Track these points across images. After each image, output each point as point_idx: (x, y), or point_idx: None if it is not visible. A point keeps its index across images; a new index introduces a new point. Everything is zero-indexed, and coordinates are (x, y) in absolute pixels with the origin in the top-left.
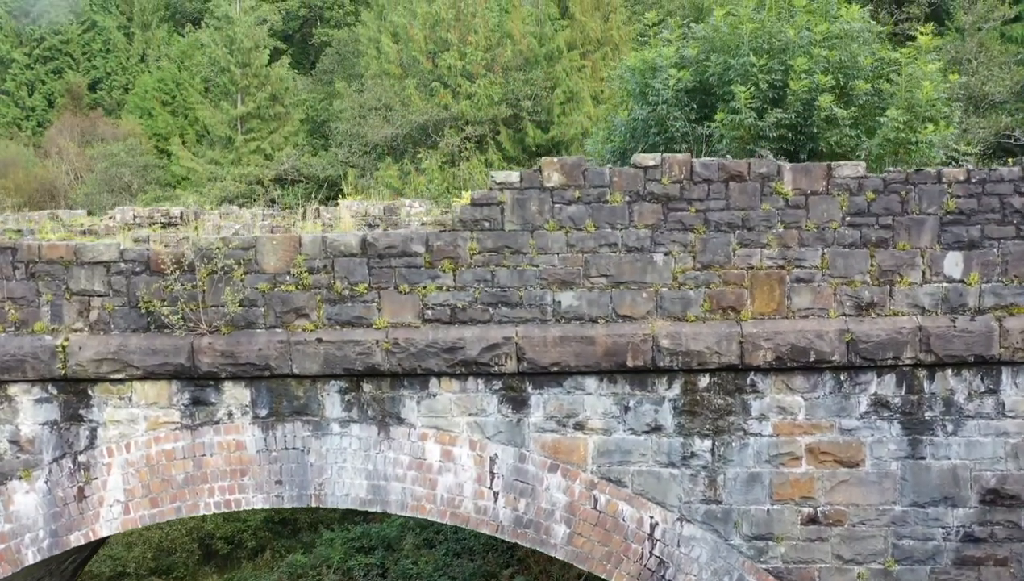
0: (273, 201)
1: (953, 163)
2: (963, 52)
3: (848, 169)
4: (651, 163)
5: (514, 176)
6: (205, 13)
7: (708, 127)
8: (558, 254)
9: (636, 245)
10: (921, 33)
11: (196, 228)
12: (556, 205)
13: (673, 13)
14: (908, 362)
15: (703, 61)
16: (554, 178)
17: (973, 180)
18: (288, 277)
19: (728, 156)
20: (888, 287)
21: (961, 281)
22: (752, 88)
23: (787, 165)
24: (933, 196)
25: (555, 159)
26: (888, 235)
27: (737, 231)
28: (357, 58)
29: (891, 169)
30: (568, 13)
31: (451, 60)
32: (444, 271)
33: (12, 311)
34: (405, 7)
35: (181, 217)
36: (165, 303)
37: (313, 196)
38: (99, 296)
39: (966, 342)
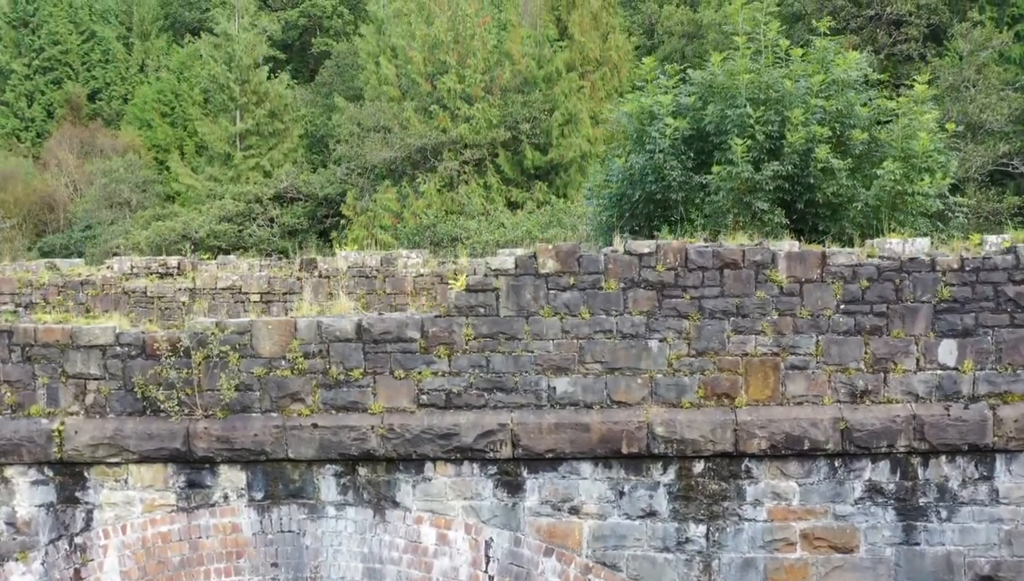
0: (272, 220)
1: (949, 213)
2: (960, 78)
3: (842, 257)
4: (646, 250)
5: (509, 262)
6: (204, 23)
7: (705, 178)
8: (553, 340)
9: (631, 331)
10: (917, 82)
11: (193, 279)
12: (551, 291)
13: (671, 31)
14: (903, 449)
15: (700, 109)
16: (549, 265)
17: (967, 268)
18: (283, 361)
19: (725, 208)
20: (882, 374)
21: (955, 369)
22: (749, 140)
23: (782, 252)
24: (927, 284)
25: (550, 246)
26: (882, 323)
27: (732, 318)
28: (356, 71)
29: (885, 256)
30: (567, 33)
31: (450, 83)
32: (439, 357)
33: (8, 394)
34: (404, 28)
35: (178, 267)
36: (161, 387)
37: (312, 215)
38: (95, 379)
39: (960, 431)
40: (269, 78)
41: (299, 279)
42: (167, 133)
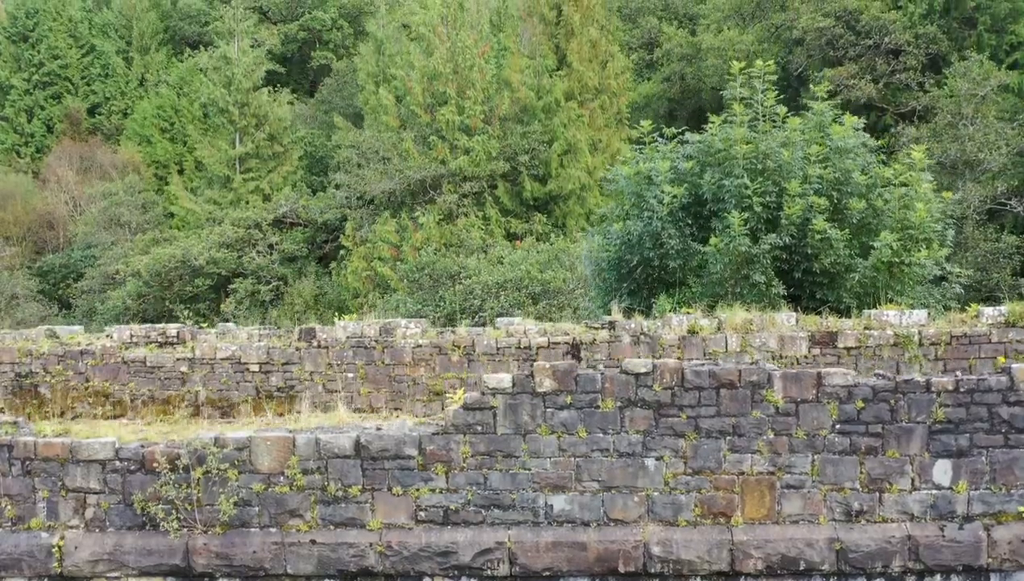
0: (271, 246)
1: (946, 283)
2: (959, 116)
3: (838, 378)
4: (643, 370)
5: (506, 381)
6: (204, 37)
7: (703, 247)
8: (550, 458)
9: (628, 450)
10: (915, 151)
11: (192, 348)
12: (548, 410)
13: (671, 53)
14: (898, 570)
15: (698, 175)
16: (546, 384)
17: (962, 390)
18: (282, 477)
19: (723, 278)
20: (877, 494)
21: (950, 488)
22: (746, 212)
23: (778, 373)
24: (922, 405)
25: (547, 365)
26: (878, 443)
27: (728, 437)
28: (356, 90)
29: (880, 373)
30: (566, 61)
31: (449, 115)
32: (437, 474)
33: (9, 508)
34: (404, 58)
35: (178, 336)
36: (160, 503)
37: (312, 240)
38: (95, 493)
39: (954, 552)
40: (270, 93)
41: (298, 350)
42: (167, 149)
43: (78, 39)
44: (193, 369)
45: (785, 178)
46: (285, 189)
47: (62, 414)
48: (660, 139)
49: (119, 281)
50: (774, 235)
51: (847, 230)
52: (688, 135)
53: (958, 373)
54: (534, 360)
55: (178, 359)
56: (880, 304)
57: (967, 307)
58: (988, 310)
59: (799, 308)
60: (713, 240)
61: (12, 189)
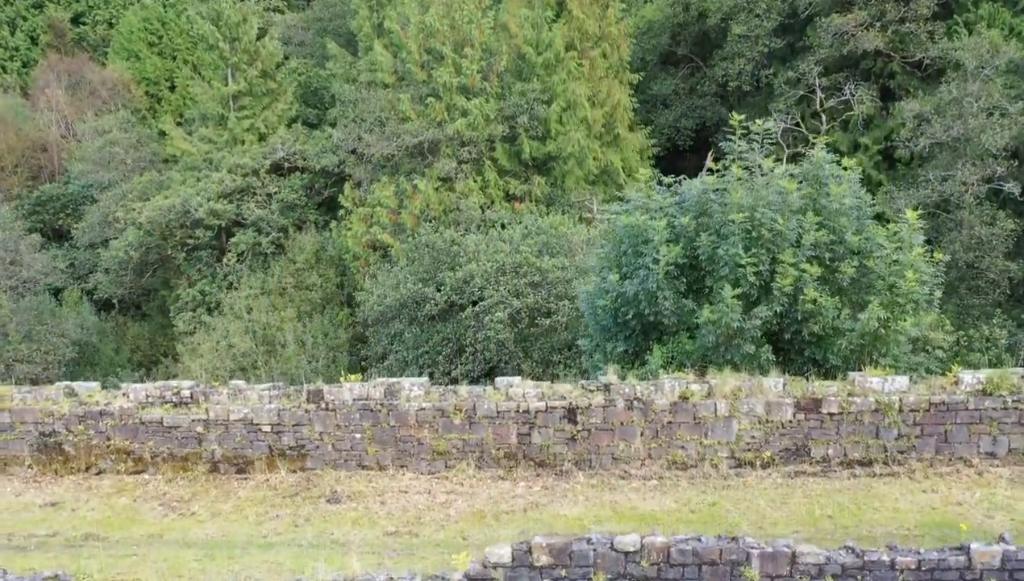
0: (270, 196)
1: (930, 347)
2: (964, 92)
3: (811, 557)
4: (631, 548)
5: (506, 556)
6: None
7: (696, 308)
8: None
9: None
10: (909, 212)
11: (207, 410)
12: None
13: None
14: None
15: (693, 232)
16: (543, 559)
17: (923, 568)
18: None
19: (714, 344)
20: None
21: None
22: (740, 282)
23: (756, 551)
24: None
25: (544, 542)
26: None
27: None
28: (349, 11)
29: (850, 546)
30: (565, 7)
31: (446, 76)
32: None
33: None
34: (399, 11)
35: (191, 396)
36: None
37: (310, 186)
38: None
39: None
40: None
41: (307, 411)
42: (156, 65)
43: None
44: (208, 429)
45: (779, 247)
46: (280, 129)
47: (87, 469)
48: (658, 186)
49: (119, 228)
50: (765, 307)
51: (836, 297)
52: (685, 184)
53: (921, 550)
54: (533, 424)
55: (193, 420)
56: (865, 365)
57: (948, 371)
58: (967, 377)
59: (787, 370)
60: (706, 311)
61: (2, 113)
